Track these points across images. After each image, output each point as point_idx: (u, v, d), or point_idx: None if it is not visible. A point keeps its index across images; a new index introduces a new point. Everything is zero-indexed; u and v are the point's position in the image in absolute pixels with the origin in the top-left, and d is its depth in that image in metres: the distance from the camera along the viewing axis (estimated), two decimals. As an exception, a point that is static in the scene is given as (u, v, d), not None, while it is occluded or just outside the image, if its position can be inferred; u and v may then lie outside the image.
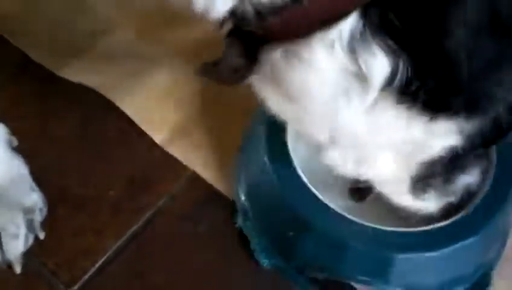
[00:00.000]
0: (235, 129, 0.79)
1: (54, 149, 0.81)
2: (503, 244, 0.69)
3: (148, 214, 0.76)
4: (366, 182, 0.61)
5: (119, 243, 0.74)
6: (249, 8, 0.42)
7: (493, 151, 0.66)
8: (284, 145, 0.66)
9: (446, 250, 0.60)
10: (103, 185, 0.78)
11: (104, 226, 0.75)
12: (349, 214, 0.62)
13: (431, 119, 0.47)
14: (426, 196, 0.60)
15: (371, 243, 0.60)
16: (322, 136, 0.53)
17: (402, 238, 0.61)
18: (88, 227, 0.75)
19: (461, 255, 0.61)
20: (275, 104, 0.53)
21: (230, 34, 0.46)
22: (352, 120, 0.48)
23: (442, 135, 0.50)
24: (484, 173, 0.64)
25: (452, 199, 0.61)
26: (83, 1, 0.93)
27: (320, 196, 0.63)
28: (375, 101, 0.46)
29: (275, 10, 0.41)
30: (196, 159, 0.80)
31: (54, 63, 0.86)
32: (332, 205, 0.63)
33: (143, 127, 0.82)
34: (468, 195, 0.63)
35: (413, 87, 0.44)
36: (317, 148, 0.57)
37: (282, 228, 0.64)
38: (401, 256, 0.60)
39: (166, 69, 0.85)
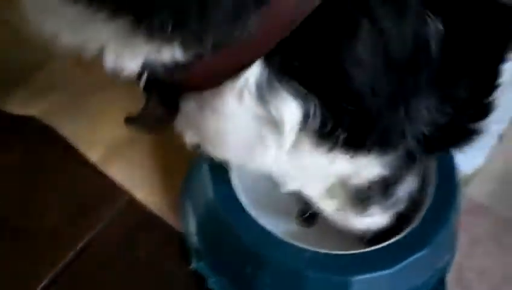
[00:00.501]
0: (173, 151, 0.80)
1: (-6, 181, 0.80)
2: (454, 248, 0.71)
3: (85, 240, 0.75)
4: (313, 207, 0.64)
5: (55, 270, 0.73)
6: (157, 66, 0.42)
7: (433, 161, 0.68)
8: (227, 180, 0.67)
9: (399, 266, 0.61)
10: (41, 213, 0.77)
11: (42, 254, 0.74)
12: (299, 241, 0.63)
13: (352, 156, 0.48)
14: (370, 212, 0.62)
15: (325, 269, 0.61)
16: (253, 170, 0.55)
17: (355, 260, 0.62)
18: (25, 256, 0.74)
19: (414, 268, 0.63)
20: (202, 145, 0.54)
21: (148, 85, 0.47)
22: (273, 162, 0.50)
23: (367, 167, 0.52)
24: (424, 180, 0.66)
25: (399, 208, 0.63)
26: (17, 34, 0.94)
27: (269, 228, 0.64)
28: (295, 144, 0.47)
29: (181, 66, 0.42)
30: (133, 180, 0.80)
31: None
32: (282, 235, 0.63)
33: (80, 148, 0.82)
34: (414, 202, 0.65)
35: (328, 128, 0.45)
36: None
37: (239, 265, 0.64)
38: (356, 278, 0.61)
39: (104, 93, 0.86)
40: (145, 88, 0.48)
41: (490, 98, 0.51)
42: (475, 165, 0.81)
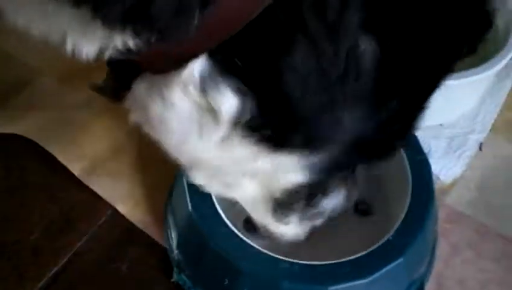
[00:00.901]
0: (156, 165, 0.81)
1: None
2: (432, 257, 0.71)
3: (68, 255, 0.76)
4: None
5: (40, 285, 0.74)
6: (111, 49, 0.46)
7: (408, 170, 0.69)
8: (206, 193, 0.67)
9: (375, 275, 0.62)
10: (24, 229, 0.78)
11: (25, 270, 0.75)
12: (276, 252, 0.64)
13: (274, 152, 0.51)
14: (288, 220, 0.63)
15: (302, 280, 0.62)
16: (183, 161, 0.59)
17: (331, 270, 0.62)
18: (9, 272, 0.75)
19: (391, 277, 0.63)
20: (143, 125, 0.56)
21: (109, 60, 0.50)
22: (206, 151, 0.53)
23: (289, 169, 0.54)
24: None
25: (317, 222, 0.64)
26: (4, 52, 0.95)
27: (246, 239, 0.65)
28: (227, 136, 0.50)
29: (132, 51, 0.45)
30: (116, 194, 0.81)
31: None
32: (259, 246, 0.64)
33: (63, 162, 0.83)
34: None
35: (258, 123, 0.48)
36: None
37: (217, 277, 0.65)
38: (333, 288, 0.61)
39: (87, 109, 0.87)
40: (108, 63, 0.52)
41: (416, 119, 0.54)
42: (454, 175, 0.81)
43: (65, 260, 0.76)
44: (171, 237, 0.72)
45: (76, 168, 0.82)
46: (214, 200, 0.67)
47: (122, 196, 0.81)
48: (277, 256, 0.63)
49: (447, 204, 0.79)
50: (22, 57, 0.94)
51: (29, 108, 0.89)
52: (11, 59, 0.94)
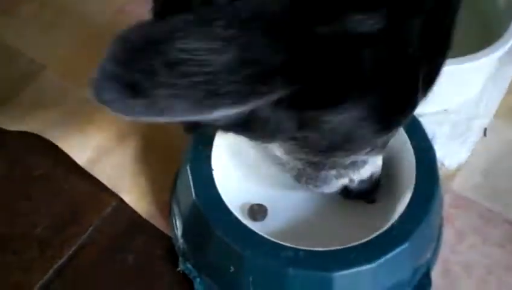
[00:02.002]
0: (162, 154, 0.82)
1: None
2: (438, 242, 0.71)
3: (74, 247, 0.76)
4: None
5: (45, 277, 0.74)
6: None
7: (412, 157, 0.69)
8: (209, 176, 0.68)
9: (380, 260, 0.62)
10: (30, 223, 0.78)
11: (31, 262, 0.75)
12: (280, 239, 0.63)
13: None
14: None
15: (307, 266, 0.61)
16: None
17: (336, 256, 0.62)
18: (15, 265, 0.75)
19: (397, 262, 0.63)
20: None
21: None
22: None
23: None
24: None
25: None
26: (8, 47, 0.95)
27: (251, 226, 0.64)
28: None
29: None
30: (121, 184, 0.81)
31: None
32: (263, 233, 0.64)
33: (68, 152, 0.83)
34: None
35: None
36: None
37: (222, 265, 0.65)
38: (338, 274, 0.61)
39: (94, 102, 0.87)
40: None
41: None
42: (459, 161, 0.81)
43: (71, 252, 0.76)
44: (176, 226, 0.72)
45: (81, 159, 0.83)
46: (218, 189, 0.67)
47: (127, 186, 0.81)
48: (282, 243, 0.62)
49: (452, 190, 0.79)
50: (26, 53, 0.95)
51: (34, 104, 0.89)
52: (16, 55, 0.94)
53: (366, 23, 0.43)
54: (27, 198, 0.81)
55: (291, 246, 0.62)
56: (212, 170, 0.68)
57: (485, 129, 0.84)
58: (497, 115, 0.86)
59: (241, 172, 0.75)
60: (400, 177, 0.71)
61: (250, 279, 0.62)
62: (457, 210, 0.77)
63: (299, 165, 0.64)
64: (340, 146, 0.55)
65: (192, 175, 0.67)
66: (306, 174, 0.66)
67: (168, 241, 0.75)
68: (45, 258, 0.75)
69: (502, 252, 0.74)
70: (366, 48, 0.44)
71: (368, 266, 0.61)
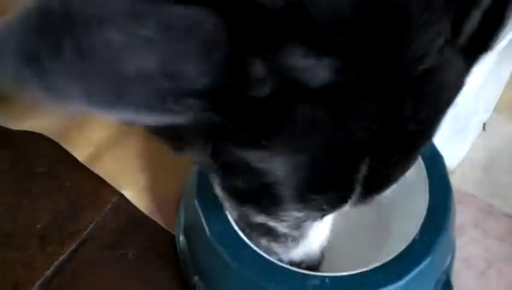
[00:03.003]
0: (163, 150, 0.80)
1: (-16, 190, 0.81)
2: (454, 250, 0.71)
3: (75, 243, 0.76)
4: None
5: (46, 273, 0.74)
6: None
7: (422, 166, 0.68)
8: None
9: (407, 278, 0.60)
10: (31, 219, 0.78)
11: (32, 259, 0.75)
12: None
13: None
14: None
15: None
16: None
17: (362, 279, 0.60)
18: (16, 261, 0.75)
19: (422, 277, 0.61)
20: None
21: None
22: None
23: None
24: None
25: None
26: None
27: (271, 258, 0.62)
28: None
29: None
30: (122, 179, 0.81)
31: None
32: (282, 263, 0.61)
33: (68, 148, 0.83)
34: None
35: None
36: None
37: None
38: None
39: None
40: None
41: None
42: (458, 157, 0.81)
43: (72, 248, 0.76)
44: (193, 267, 0.69)
45: (82, 156, 0.83)
46: (230, 218, 0.63)
47: (127, 182, 0.81)
48: (305, 272, 0.60)
49: (452, 184, 0.79)
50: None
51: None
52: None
53: (312, 70, 0.35)
54: (28, 195, 0.81)
55: (316, 274, 0.60)
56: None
57: (484, 124, 0.85)
58: (497, 109, 0.86)
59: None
60: (411, 188, 0.68)
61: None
62: (457, 205, 0.77)
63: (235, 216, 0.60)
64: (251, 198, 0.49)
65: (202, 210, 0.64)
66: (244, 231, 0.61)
67: (169, 237, 0.75)
68: (46, 254, 0.75)
69: (502, 245, 0.74)
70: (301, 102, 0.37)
71: (395, 285, 0.59)
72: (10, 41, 0.34)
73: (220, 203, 0.61)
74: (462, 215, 0.76)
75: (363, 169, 0.42)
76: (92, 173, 0.82)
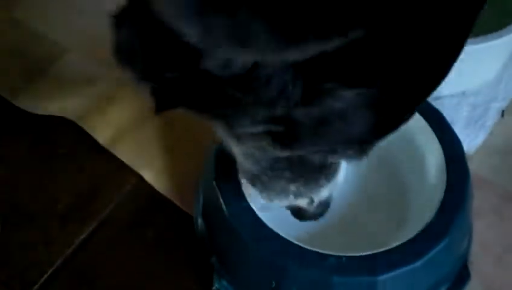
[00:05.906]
0: (182, 132, 0.83)
1: (6, 169, 0.83)
2: (471, 234, 0.70)
3: (95, 223, 0.78)
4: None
5: (67, 252, 0.75)
6: None
7: (440, 150, 0.68)
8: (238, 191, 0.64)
9: (424, 259, 0.60)
10: (52, 199, 0.80)
11: (53, 238, 0.77)
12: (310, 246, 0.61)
13: None
14: None
15: (352, 273, 0.59)
16: None
17: (379, 259, 0.59)
18: (37, 240, 0.77)
19: (439, 259, 0.61)
20: None
21: None
22: None
23: None
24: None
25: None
26: (31, 30, 0.96)
27: (291, 239, 0.62)
28: None
29: None
30: (142, 161, 0.82)
31: (8, 93, 0.89)
32: (300, 242, 0.61)
33: (89, 130, 0.84)
34: None
35: None
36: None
37: (262, 280, 0.63)
38: (384, 277, 0.59)
39: (115, 80, 0.88)
40: None
41: None
42: (476, 145, 0.81)
43: (92, 228, 0.77)
44: (212, 246, 0.69)
45: (102, 138, 0.84)
46: (250, 202, 0.63)
47: (147, 163, 0.82)
48: (322, 251, 0.60)
49: (470, 170, 0.79)
50: (49, 35, 0.96)
51: (56, 87, 0.90)
52: (38, 37, 0.96)
53: None
54: (50, 176, 0.82)
55: (332, 253, 0.59)
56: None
57: (503, 111, 0.84)
58: (516, 96, 0.86)
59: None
60: (429, 169, 0.70)
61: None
62: (475, 190, 0.77)
63: (254, 170, 0.59)
64: (327, 134, 0.48)
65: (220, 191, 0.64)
66: (260, 181, 0.59)
67: (187, 217, 0.76)
68: (67, 234, 0.77)
69: (520, 231, 0.74)
70: None
71: (412, 266, 0.59)
72: None
73: (239, 184, 0.63)
74: (479, 201, 0.76)
75: None
76: (112, 155, 0.83)
